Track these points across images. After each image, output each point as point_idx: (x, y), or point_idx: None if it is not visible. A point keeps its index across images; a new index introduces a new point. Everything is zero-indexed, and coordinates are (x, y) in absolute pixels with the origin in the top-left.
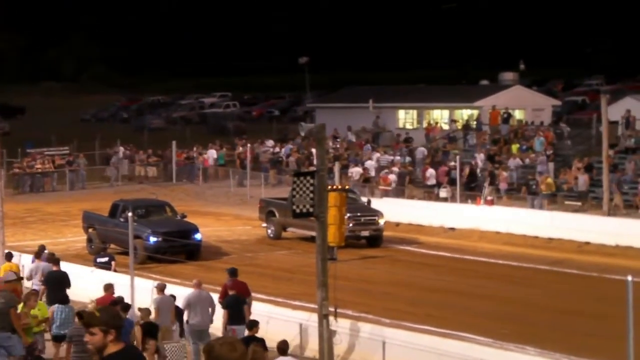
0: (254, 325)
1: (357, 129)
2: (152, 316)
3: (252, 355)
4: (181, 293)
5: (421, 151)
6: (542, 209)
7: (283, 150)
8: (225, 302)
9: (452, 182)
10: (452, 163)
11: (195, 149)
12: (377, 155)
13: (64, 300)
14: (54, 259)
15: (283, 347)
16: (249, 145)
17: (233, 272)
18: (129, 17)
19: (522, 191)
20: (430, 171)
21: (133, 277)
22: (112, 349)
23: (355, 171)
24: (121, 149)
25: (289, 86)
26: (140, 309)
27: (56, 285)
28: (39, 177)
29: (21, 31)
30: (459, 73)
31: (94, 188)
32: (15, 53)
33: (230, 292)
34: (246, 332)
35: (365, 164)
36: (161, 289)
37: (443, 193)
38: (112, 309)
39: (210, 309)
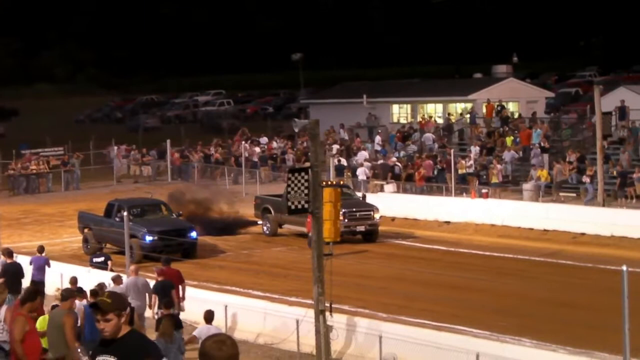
0: (169, 305)
1: (352, 124)
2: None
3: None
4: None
5: (429, 137)
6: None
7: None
8: (154, 288)
9: (396, 178)
10: (394, 158)
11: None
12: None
13: (17, 290)
14: (7, 252)
15: (207, 316)
16: (243, 142)
17: (166, 261)
18: (121, 18)
19: (474, 182)
20: (361, 169)
21: (129, 276)
22: (123, 331)
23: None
24: (115, 148)
25: (282, 83)
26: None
27: (13, 277)
28: (33, 179)
29: (14, 35)
30: (453, 67)
31: (89, 188)
32: (8, 57)
33: (159, 279)
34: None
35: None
36: (115, 279)
37: (389, 188)
38: (118, 293)
39: (146, 295)
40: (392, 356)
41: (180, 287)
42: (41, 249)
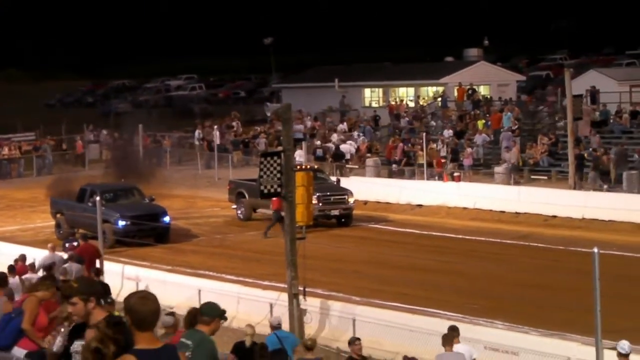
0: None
1: (324, 108)
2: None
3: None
4: (151, 276)
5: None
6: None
7: None
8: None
9: (320, 159)
10: (318, 142)
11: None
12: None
13: None
14: None
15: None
16: (215, 126)
17: (83, 237)
18: (92, 2)
19: (401, 163)
20: (299, 152)
21: (102, 261)
22: (98, 315)
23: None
24: (90, 134)
25: (254, 68)
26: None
27: None
28: (5, 164)
29: None
30: (424, 50)
31: (61, 173)
32: None
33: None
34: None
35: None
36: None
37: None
38: (89, 278)
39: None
40: (277, 320)
41: (97, 262)
42: None
